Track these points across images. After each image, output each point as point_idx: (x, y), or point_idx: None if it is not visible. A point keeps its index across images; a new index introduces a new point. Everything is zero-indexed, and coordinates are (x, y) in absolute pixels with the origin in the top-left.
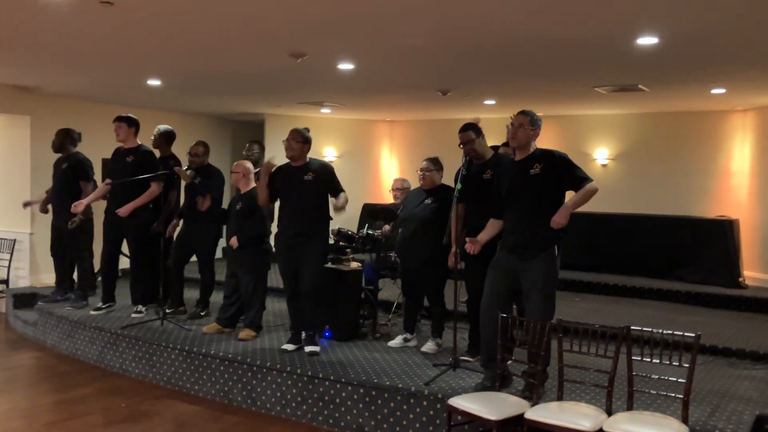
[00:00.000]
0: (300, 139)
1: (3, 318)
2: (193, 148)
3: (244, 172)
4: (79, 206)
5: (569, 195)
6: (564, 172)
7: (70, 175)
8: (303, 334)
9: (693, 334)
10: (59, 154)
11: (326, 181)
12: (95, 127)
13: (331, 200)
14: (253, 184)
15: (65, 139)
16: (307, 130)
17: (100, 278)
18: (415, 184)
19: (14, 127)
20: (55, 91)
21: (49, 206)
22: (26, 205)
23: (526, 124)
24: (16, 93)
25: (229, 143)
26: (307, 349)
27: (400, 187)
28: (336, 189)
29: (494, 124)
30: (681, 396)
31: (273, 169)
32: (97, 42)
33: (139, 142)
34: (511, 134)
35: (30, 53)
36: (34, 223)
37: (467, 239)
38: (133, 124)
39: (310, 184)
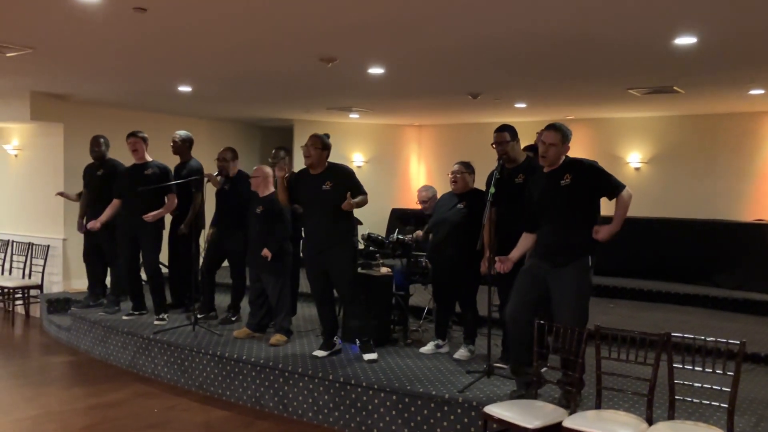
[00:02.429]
0: (319, 146)
1: (38, 322)
2: (221, 153)
3: (263, 176)
4: (95, 224)
5: (603, 201)
6: (595, 181)
7: (105, 182)
8: (338, 341)
9: (737, 341)
10: (92, 161)
11: (345, 187)
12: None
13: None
14: (272, 188)
15: (106, 147)
16: (327, 136)
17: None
18: (440, 189)
19: (48, 135)
20: (88, 99)
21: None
22: (60, 194)
23: (558, 142)
24: (49, 101)
25: (258, 149)
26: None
27: (426, 198)
28: (356, 193)
29: (525, 127)
30: (724, 405)
31: (287, 174)
32: (130, 49)
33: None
34: (541, 152)
35: (63, 61)
36: (67, 229)
37: (497, 258)
38: (146, 140)
39: (328, 194)
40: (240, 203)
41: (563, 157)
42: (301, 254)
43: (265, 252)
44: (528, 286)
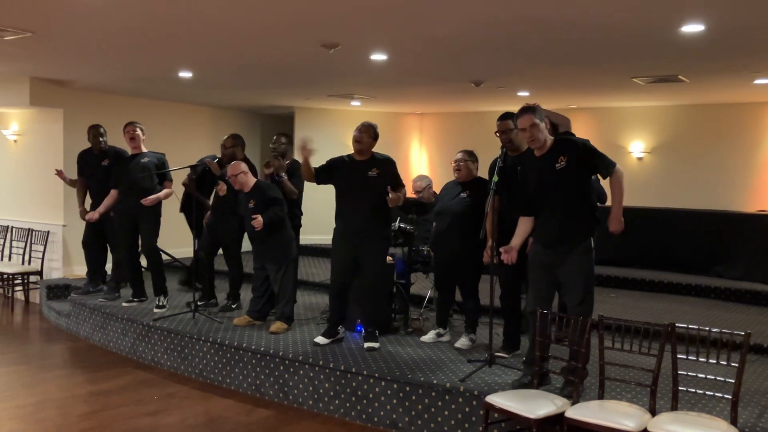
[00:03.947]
0: (372, 134)
1: (37, 308)
2: (224, 140)
3: (243, 171)
4: (94, 215)
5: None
6: (591, 161)
7: (113, 171)
8: (341, 330)
9: (742, 332)
10: (90, 148)
11: (390, 176)
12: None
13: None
14: (254, 179)
15: (106, 135)
16: (376, 126)
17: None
18: (442, 178)
19: (48, 121)
20: (88, 85)
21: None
22: (59, 172)
23: (537, 120)
24: (49, 86)
25: (259, 136)
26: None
27: (421, 188)
28: (398, 184)
29: None
30: (727, 396)
31: (308, 145)
32: (131, 33)
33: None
34: (528, 138)
35: (63, 45)
36: (67, 215)
37: (501, 249)
38: (143, 131)
39: (374, 181)
40: (236, 190)
41: (550, 137)
42: (332, 241)
43: (258, 221)
44: (543, 282)
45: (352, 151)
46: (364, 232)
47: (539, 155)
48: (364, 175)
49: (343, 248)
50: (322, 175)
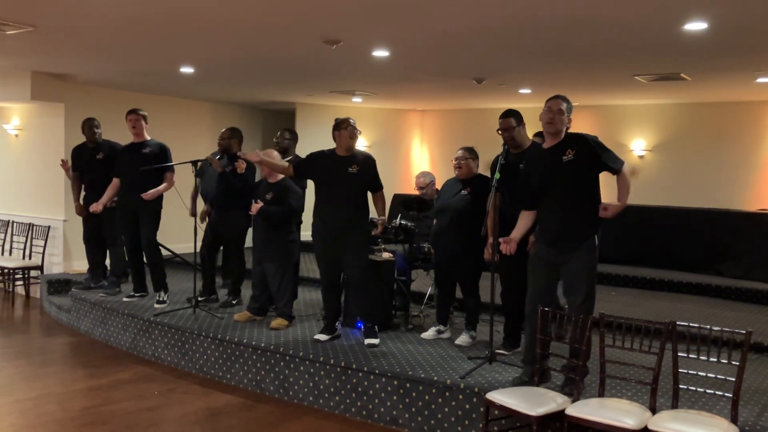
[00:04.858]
0: (359, 131)
1: (38, 303)
2: (221, 132)
3: None
4: (98, 206)
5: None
6: (599, 156)
7: (107, 165)
8: (338, 325)
9: (743, 331)
10: (84, 142)
11: (369, 174)
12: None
13: (375, 203)
14: (281, 175)
15: (100, 128)
16: None
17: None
18: (443, 175)
19: (49, 115)
20: (89, 79)
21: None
22: (64, 163)
23: (565, 109)
24: (50, 81)
25: (260, 132)
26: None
27: (424, 184)
28: (376, 184)
29: (530, 113)
30: (728, 394)
31: (253, 155)
32: (133, 28)
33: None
34: (547, 119)
35: (65, 40)
36: (68, 209)
37: (501, 240)
38: (146, 119)
39: (353, 177)
40: (238, 185)
41: (565, 131)
42: (312, 237)
43: (255, 207)
44: (543, 277)
45: (334, 146)
46: (343, 228)
47: (547, 147)
48: (345, 171)
49: (325, 246)
50: (303, 168)
